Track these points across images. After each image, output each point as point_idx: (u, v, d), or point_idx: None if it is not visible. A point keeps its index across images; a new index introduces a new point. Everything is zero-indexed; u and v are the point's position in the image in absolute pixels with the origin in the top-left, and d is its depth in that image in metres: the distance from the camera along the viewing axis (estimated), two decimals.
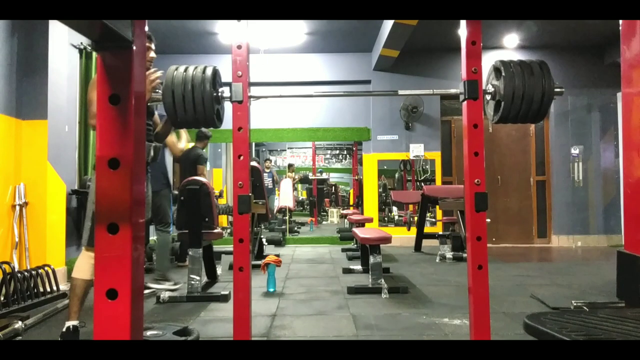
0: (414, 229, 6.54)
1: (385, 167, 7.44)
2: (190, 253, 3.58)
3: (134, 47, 0.94)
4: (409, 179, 7.49)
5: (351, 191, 11.75)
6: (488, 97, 2.18)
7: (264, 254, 5.25)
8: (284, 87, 7.18)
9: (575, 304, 3.11)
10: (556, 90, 2.05)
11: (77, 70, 4.97)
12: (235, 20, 2.09)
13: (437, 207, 6.43)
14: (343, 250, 6.42)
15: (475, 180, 2.03)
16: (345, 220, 7.84)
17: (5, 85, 3.80)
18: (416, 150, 7.19)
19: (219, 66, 2.22)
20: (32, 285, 3.29)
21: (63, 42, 4.27)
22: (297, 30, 6.40)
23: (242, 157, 2.11)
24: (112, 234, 0.92)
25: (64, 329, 2.44)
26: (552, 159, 7.18)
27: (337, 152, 13.70)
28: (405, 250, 6.39)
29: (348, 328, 2.78)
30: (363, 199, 7.44)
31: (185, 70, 2.11)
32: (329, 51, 7.26)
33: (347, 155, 13.48)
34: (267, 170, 8.93)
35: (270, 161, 10.87)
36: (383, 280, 3.68)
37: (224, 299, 3.47)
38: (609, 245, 6.85)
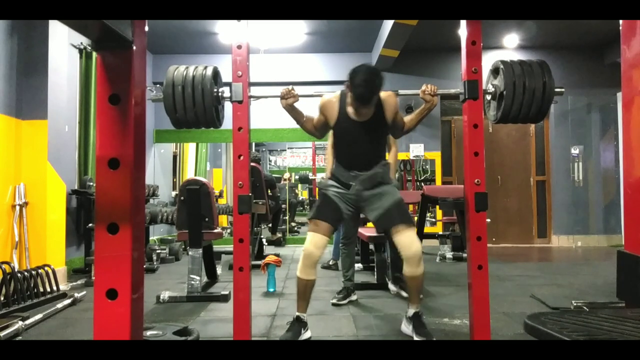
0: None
1: None
2: (190, 253, 3.58)
3: (134, 47, 0.94)
4: (409, 179, 7.48)
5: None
6: (488, 97, 2.18)
7: (264, 254, 5.25)
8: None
9: (575, 304, 3.11)
10: (556, 90, 2.05)
11: (77, 70, 4.97)
12: (235, 20, 2.09)
13: (437, 207, 6.41)
14: None
15: (475, 180, 2.03)
16: None
17: (5, 85, 3.80)
18: (416, 150, 7.19)
19: (219, 66, 2.23)
20: (32, 285, 3.29)
21: (63, 42, 4.26)
22: (297, 30, 6.39)
23: (242, 157, 2.11)
24: (112, 234, 0.92)
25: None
26: (552, 159, 7.18)
27: None
28: None
29: (348, 328, 2.77)
30: None
31: (185, 70, 2.11)
32: (329, 51, 7.25)
33: None
34: None
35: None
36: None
37: (224, 299, 3.47)
38: (609, 245, 6.84)
